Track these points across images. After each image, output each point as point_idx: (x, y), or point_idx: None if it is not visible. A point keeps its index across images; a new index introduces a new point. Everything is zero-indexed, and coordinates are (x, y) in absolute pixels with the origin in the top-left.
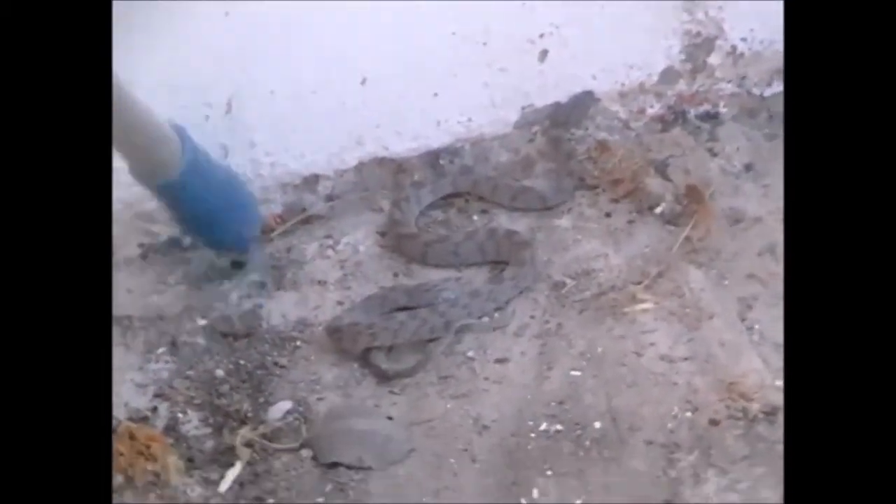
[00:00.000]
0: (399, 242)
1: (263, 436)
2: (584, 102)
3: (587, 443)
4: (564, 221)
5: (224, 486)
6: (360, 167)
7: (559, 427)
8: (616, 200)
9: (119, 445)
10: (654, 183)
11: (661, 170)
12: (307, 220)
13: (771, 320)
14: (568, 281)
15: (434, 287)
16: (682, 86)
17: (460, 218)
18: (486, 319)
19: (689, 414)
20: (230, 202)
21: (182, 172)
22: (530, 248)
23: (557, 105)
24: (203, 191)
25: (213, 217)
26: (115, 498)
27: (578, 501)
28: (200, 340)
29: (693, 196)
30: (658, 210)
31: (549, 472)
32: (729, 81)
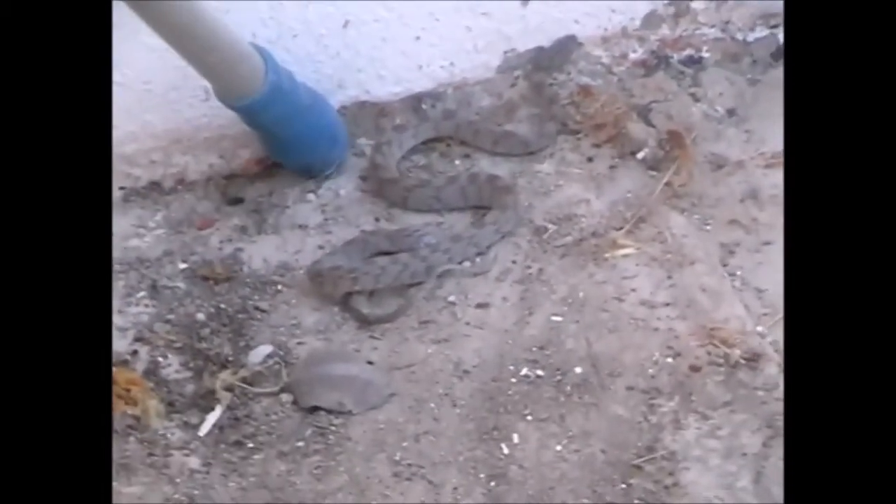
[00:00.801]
0: (380, 187)
1: (244, 380)
2: (566, 47)
3: (568, 388)
4: (546, 166)
5: (204, 430)
6: (342, 111)
7: (540, 372)
8: (598, 145)
9: None
10: (636, 128)
11: (644, 115)
12: None
13: (753, 266)
14: (550, 226)
15: (415, 232)
16: (665, 30)
17: (442, 162)
18: (467, 264)
19: (669, 360)
20: (315, 126)
21: (263, 93)
22: (512, 193)
23: (540, 49)
24: (286, 113)
25: (297, 140)
26: None
27: (559, 447)
28: (181, 284)
29: (675, 141)
30: (640, 155)
31: (529, 417)
32: (712, 26)
